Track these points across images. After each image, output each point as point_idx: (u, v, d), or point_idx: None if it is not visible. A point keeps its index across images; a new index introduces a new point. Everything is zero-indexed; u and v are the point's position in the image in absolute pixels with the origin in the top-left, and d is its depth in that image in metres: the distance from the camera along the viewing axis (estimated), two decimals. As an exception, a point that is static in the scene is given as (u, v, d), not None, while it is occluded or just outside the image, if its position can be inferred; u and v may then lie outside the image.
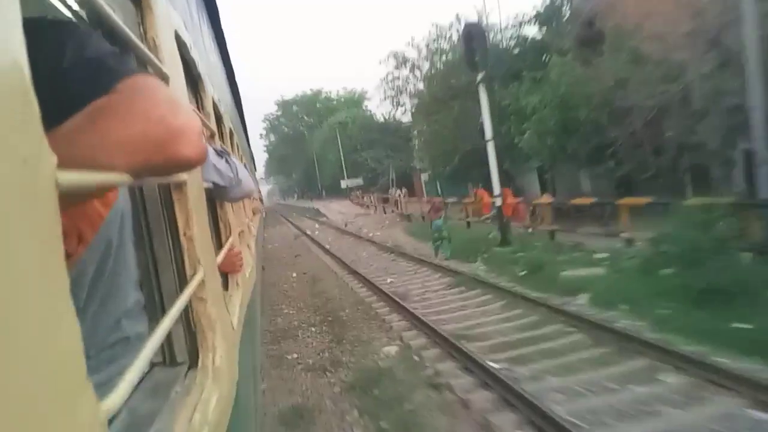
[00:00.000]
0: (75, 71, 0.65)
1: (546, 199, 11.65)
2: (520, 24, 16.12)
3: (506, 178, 19.51)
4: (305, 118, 64.99)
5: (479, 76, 10.40)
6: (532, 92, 13.25)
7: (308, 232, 22.47)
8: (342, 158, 39.29)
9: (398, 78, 20.52)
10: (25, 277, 0.31)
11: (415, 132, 30.30)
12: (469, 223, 14.53)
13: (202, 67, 1.90)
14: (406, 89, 20.62)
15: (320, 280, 11.20)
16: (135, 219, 0.99)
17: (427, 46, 19.00)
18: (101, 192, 0.76)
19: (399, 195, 24.11)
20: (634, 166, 11.28)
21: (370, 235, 17.52)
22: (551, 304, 6.42)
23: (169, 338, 1.00)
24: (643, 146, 11.11)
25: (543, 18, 15.28)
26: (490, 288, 7.86)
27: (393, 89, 20.80)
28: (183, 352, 1.04)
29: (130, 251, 0.94)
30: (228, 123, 3.24)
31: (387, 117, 40.67)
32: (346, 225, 23.25)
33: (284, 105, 66.64)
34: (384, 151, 37.11)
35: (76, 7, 1.05)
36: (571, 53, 12.28)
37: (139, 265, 1.01)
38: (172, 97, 0.65)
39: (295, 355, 6.46)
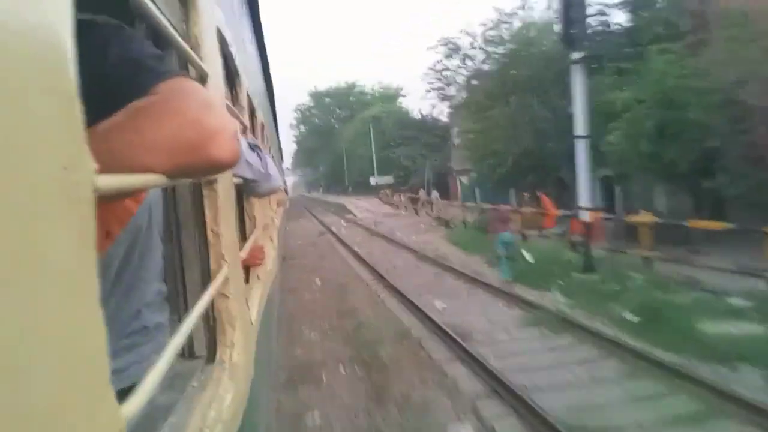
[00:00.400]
0: (117, 71, 0.65)
1: (646, 217, 9.35)
2: (604, 10, 13.74)
3: (560, 188, 17.27)
4: (337, 110, 63.27)
5: (575, 56, 8.18)
6: (621, 86, 10.97)
7: (334, 230, 20.55)
8: (374, 154, 37.22)
9: (447, 68, 18.29)
10: (57, 281, 0.32)
11: (456, 130, 28.13)
12: (524, 236, 12.27)
13: (239, 61, 1.84)
14: (455, 81, 18.35)
15: (349, 292, 9.18)
16: (165, 214, 1.00)
17: (485, 33, 16.75)
18: (134, 192, 0.79)
19: (435, 197, 21.99)
20: (752, 182, 8.91)
21: (405, 239, 15.44)
22: (708, 382, 4.23)
23: (178, 327, 0.79)
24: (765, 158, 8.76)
25: (634, 2, 12.93)
26: (588, 336, 5.69)
27: (440, 80, 18.58)
28: (201, 346, 1.04)
29: (156, 245, 0.94)
30: (260, 116, 3.13)
31: (424, 114, 38.53)
32: (375, 225, 21.23)
33: (317, 96, 64.98)
34: (419, 149, 34.89)
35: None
36: (678, 42, 9.95)
37: (166, 257, 1.01)
38: (209, 99, 0.66)
39: (317, 418, 4.44)
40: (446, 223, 18.15)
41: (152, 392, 0.48)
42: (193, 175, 0.71)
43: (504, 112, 15.76)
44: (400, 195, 31.34)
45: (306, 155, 75.81)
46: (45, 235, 0.30)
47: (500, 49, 16.86)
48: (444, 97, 19.97)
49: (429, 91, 19.38)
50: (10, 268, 0.27)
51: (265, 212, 3.03)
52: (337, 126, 60.69)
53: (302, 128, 70.63)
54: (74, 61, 0.34)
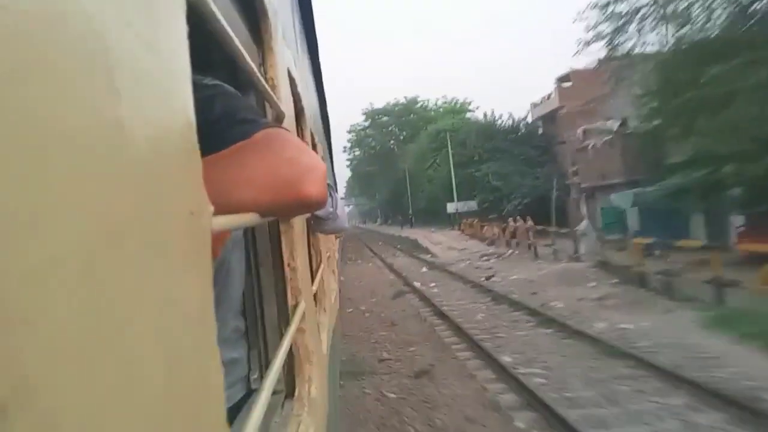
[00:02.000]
0: (220, 124, 0.71)
1: None
2: None
3: None
4: (396, 130, 56.29)
5: None
6: None
7: (417, 284, 12.70)
8: (452, 173, 29.18)
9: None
10: (187, 325, 0.34)
11: (581, 130, 19.77)
12: None
13: (304, 100, 1.86)
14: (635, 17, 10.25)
15: None
16: (245, 250, 1.05)
17: None
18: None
19: (585, 227, 13.70)
20: None
21: (602, 327, 7.24)
22: None
23: (269, 366, 0.85)
24: None
25: None
26: None
27: (610, 20, 10.58)
28: (280, 381, 1.05)
29: (233, 283, 0.97)
30: (320, 152, 3.12)
31: (515, 120, 30.34)
32: (486, 277, 13.10)
33: (372, 114, 58.38)
34: (513, 164, 26.58)
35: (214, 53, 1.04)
36: None
37: (245, 292, 1.05)
38: (301, 143, 0.75)
39: None
40: (642, 279, 9.74)
41: (260, 423, 0.51)
42: (285, 212, 0.77)
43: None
44: (492, 226, 23.05)
45: (360, 181, 69.15)
46: (176, 276, 0.33)
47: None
48: (613, 49, 11.76)
49: (587, 44, 11.33)
50: (147, 315, 0.28)
51: (327, 244, 3.13)
52: (395, 148, 53.65)
53: (356, 152, 64.12)
54: (192, 112, 0.39)
